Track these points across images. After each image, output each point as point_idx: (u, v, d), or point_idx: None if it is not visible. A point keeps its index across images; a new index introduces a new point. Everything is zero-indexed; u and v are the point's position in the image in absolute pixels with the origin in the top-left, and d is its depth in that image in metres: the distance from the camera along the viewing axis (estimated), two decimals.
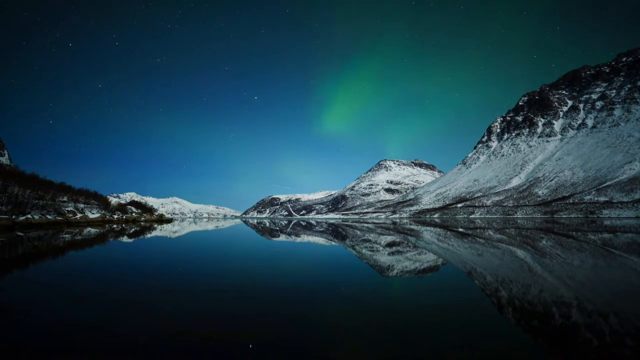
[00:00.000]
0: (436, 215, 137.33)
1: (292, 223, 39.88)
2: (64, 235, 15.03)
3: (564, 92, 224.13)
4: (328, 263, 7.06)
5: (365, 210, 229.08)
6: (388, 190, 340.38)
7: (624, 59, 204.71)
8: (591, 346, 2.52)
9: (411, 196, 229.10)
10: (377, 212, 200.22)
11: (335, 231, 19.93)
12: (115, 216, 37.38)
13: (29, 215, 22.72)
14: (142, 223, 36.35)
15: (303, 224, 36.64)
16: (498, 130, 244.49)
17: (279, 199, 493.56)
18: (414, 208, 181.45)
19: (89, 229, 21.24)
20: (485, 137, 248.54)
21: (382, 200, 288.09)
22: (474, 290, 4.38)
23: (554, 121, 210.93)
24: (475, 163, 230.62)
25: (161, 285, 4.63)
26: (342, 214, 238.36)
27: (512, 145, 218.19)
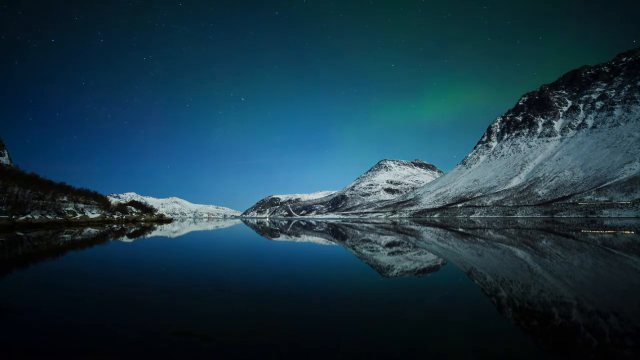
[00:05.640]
0: (436, 215, 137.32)
1: (292, 223, 39.89)
2: (64, 235, 15.03)
3: (564, 92, 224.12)
4: (328, 263, 7.06)
5: (365, 210, 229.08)
6: (388, 190, 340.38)
7: (624, 59, 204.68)
8: (591, 346, 2.51)
9: (411, 196, 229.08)
10: (377, 212, 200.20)
11: (335, 231, 19.92)
12: (115, 216, 37.39)
13: (29, 215, 22.72)
14: (142, 223, 36.36)
15: (303, 224, 36.65)
16: (498, 130, 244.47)
17: (279, 199, 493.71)
18: (414, 208, 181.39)
19: (89, 229, 21.24)
20: (485, 137, 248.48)
21: (382, 200, 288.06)
22: (474, 291, 4.38)
23: (554, 121, 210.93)
24: (475, 163, 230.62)
25: (161, 285, 4.64)
26: (342, 214, 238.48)
27: (512, 145, 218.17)
